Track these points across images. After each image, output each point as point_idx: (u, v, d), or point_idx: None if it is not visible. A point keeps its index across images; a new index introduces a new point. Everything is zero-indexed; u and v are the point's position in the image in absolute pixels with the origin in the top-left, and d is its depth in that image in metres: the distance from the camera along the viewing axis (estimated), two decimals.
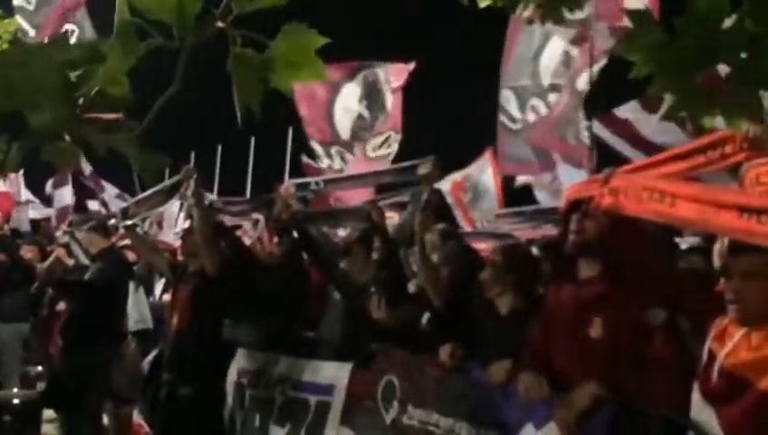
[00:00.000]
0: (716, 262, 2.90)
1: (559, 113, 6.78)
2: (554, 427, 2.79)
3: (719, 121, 1.84)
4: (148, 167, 1.79)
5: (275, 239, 5.02)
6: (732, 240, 2.35)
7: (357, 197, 7.43)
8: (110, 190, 11.63)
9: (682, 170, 3.41)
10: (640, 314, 2.83)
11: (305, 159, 9.65)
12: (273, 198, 5.05)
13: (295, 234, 4.86)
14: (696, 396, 2.36)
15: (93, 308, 5.49)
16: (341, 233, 6.87)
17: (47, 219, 11.75)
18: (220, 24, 1.63)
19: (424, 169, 4.24)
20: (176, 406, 4.48)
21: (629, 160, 5.09)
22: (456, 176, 9.86)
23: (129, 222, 5.27)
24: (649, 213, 2.57)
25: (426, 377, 3.53)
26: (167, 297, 6.27)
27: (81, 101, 1.64)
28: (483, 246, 6.08)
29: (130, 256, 6.90)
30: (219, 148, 14.18)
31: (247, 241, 5.33)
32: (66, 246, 6.76)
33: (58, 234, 7.33)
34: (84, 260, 6.33)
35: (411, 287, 4.34)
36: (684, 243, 4.55)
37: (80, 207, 11.91)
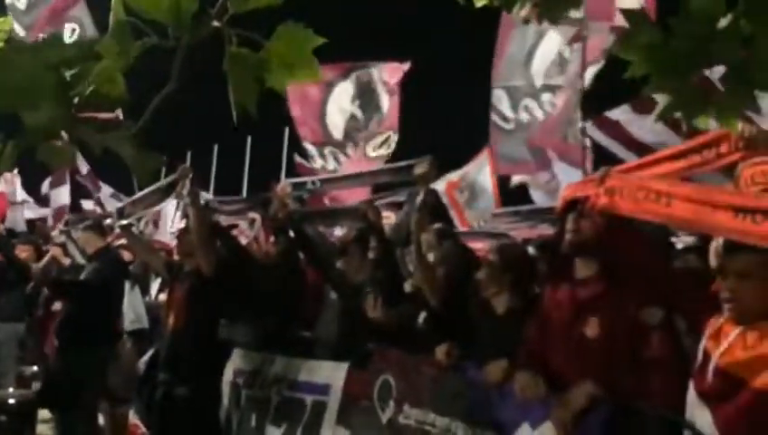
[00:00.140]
0: (713, 261, 2.90)
1: (561, 113, 6.79)
2: (550, 426, 2.80)
3: (713, 122, 1.84)
4: (143, 166, 1.79)
5: (271, 239, 5.01)
6: (727, 240, 2.35)
7: (353, 196, 7.43)
8: (104, 189, 11.61)
9: (678, 170, 3.41)
10: (637, 314, 2.83)
11: (298, 159, 9.66)
12: (270, 197, 5.04)
13: (292, 233, 4.86)
14: (691, 395, 2.37)
15: (89, 308, 5.48)
16: (338, 232, 6.88)
17: (43, 219, 11.72)
18: (216, 24, 1.63)
19: (420, 168, 4.24)
20: (172, 406, 4.48)
21: (625, 161, 5.12)
22: (453, 175, 9.87)
23: (124, 221, 5.27)
24: (645, 213, 2.58)
25: (422, 376, 3.53)
26: (163, 297, 6.27)
27: (76, 100, 1.63)
28: (479, 246, 6.08)
29: (126, 255, 6.88)
30: (215, 147, 14.18)
31: (244, 241, 5.33)
32: (62, 246, 6.75)
33: (54, 233, 7.31)
34: (80, 260, 6.32)
35: (407, 287, 4.34)
36: (679, 242, 4.56)
37: (74, 206, 11.89)
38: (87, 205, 12.01)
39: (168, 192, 4.87)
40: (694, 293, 2.70)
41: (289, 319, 4.76)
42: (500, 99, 7.18)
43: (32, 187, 12.47)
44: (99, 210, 10.73)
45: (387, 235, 4.66)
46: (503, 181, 9.99)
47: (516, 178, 9.61)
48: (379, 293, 4.25)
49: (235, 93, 1.68)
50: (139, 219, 6.62)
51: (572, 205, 3.06)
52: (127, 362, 5.93)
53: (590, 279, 3.03)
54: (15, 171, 11.44)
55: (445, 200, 8.27)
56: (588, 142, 6.36)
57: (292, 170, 9.90)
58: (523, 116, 7.07)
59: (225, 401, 4.65)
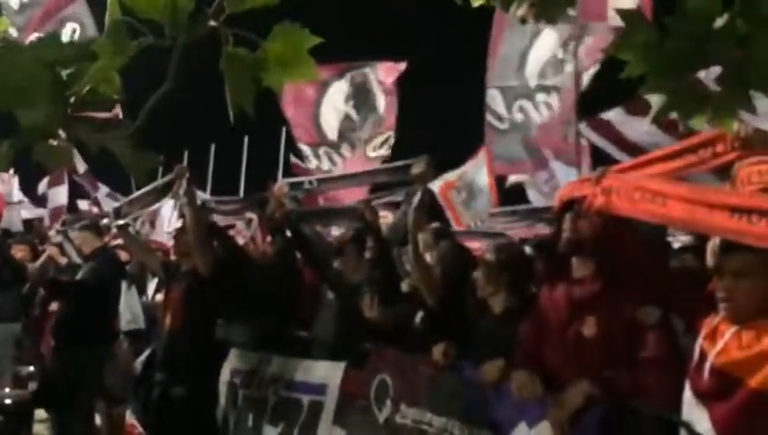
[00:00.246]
0: (710, 260, 2.91)
1: (561, 112, 6.81)
2: (547, 426, 2.80)
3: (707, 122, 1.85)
4: (140, 166, 1.79)
5: (268, 239, 5.01)
6: (723, 240, 2.36)
7: (351, 196, 7.44)
8: (101, 189, 11.60)
9: (675, 169, 3.42)
10: (633, 313, 2.84)
11: (294, 159, 9.66)
12: (267, 197, 5.04)
13: (289, 233, 4.86)
14: (687, 394, 2.37)
15: (85, 308, 5.47)
16: (335, 232, 6.88)
17: (39, 219, 11.70)
18: (212, 23, 1.63)
19: (417, 168, 4.24)
20: (168, 406, 4.47)
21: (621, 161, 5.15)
22: (451, 175, 9.88)
23: (121, 221, 5.26)
24: (642, 213, 2.59)
25: (419, 376, 3.53)
26: (159, 297, 6.26)
27: (72, 99, 1.63)
28: (476, 245, 6.09)
29: (123, 255, 6.88)
30: (212, 147, 14.16)
31: (241, 241, 5.33)
32: (59, 246, 6.74)
33: (51, 233, 7.30)
34: (77, 259, 6.31)
35: (404, 287, 4.35)
36: (676, 242, 4.57)
37: (71, 206, 11.87)
38: (82, 205, 12.00)
39: (165, 192, 4.86)
40: (690, 292, 2.71)
41: (286, 319, 4.76)
42: (494, 99, 7.19)
43: (28, 186, 12.45)
44: (95, 210, 10.72)
45: (384, 234, 4.66)
46: (500, 181, 10.02)
47: (512, 178, 9.63)
48: (376, 292, 4.25)
49: (231, 93, 1.67)
50: (135, 219, 6.61)
51: (569, 205, 3.07)
52: (123, 362, 5.92)
53: (587, 278, 3.03)
54: (11, 171, 11.42)
55: (439, 201, 8.29)
56: (585, 142, 6.38)
57: (290, 170, 9.92)
58: (518, 116, 7.08)
59: (222, 400, 4.64)
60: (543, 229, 6.09)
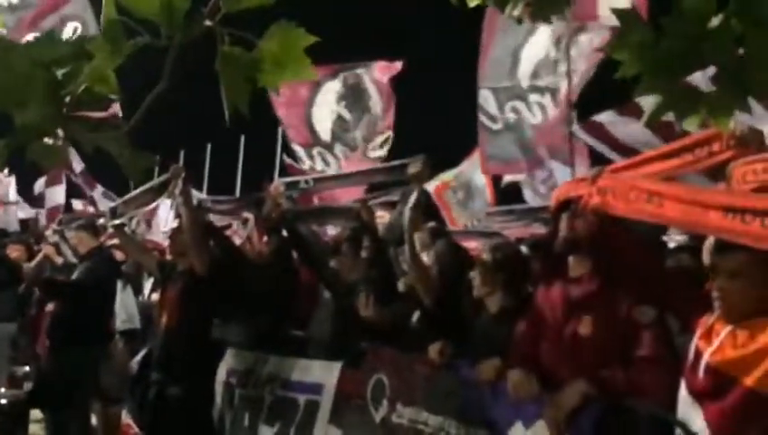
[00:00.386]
0: (706, 259, 2.92)
1: (562, 111, 6.84)
2: (543, 425, 2.80)
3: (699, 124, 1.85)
4: (135, 165, 1.78)
5: (264, 238, 5.01)
6: (718, 239, 2.36)
7: (347, 196, 7.44)
8: (97, 188, 11.59)
9: (671, 168, 3.43)
10: (629, 312, 2.84)
11: (288, 160, 9.67)
12: (263, 196, 5.04)
13: (285, 233, 4.86)
14: (682, 393, 2.38)
15: (81, 308, 5.46)
16: (331, 232, 6.88)
17: (34, 219, 11.68)
18: (208, 23, 1.62)
19: (414, 167, 4.25)
20: (165, 406, 4.47)
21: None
22: (448, 175, 9.90)
23: (117, 221, 5.25)
24: (637, 213, 2.59)
25: (415, 375, 3.53)
26: (155, 297, 6.25)
27: (67, 99, 1.62)
28: (473, 245, 6.10)
29: (119, 255, 6.87)
30: (209, 146, 14.15)
31: (237, 240, 5.32)
32: (56, 245, 6.73)
33: (47, 233, 7.28)
34: (73, 259, 6.29)
35: (401, 286, 4.35)
36: (672, 241, 4.58)
37: (66, 206, 11.86)
38: (77, 204, 11.98)
39: (161, 192, 4.86)
40: (686, 292, 2.72)
41: (282, 318, 4.76)
42: (486, 99, 7.22)
43: (23, 186, 12.43)
44: (91, 209, 10.71)
45: (380, 234, 4.67)
46: (497, 181, 10.04)
47: (508, 178, 9.65)
48: (372, 292, 4.25)
49: (227, 93, 1.67)
50: (130, 219, 6.61)
51: (566, 204, 3.07)
52: (119, 361, 5.91)
53: (584, 278, 3.04)
54: (6, 171, 11.39)
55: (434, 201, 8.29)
56: (582, 143, 6.42)
57: (286, 170, 9.91)
58: (511, 116, 7.10)
59: (219, 400, 4.64)
60: (540, 229, 6.11)
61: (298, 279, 5.01)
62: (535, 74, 7.01)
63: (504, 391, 3.02)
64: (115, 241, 6.33)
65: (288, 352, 4.42)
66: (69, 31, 7.85)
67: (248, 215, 5.39)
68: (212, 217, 6.11)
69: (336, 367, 4.00)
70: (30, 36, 6.31)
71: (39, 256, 6.68)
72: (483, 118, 7.25)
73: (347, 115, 8.91)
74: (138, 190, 5.11)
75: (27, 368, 7.08)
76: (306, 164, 8.95)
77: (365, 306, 4.18)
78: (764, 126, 3.25)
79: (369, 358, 3.85)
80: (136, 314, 6.97)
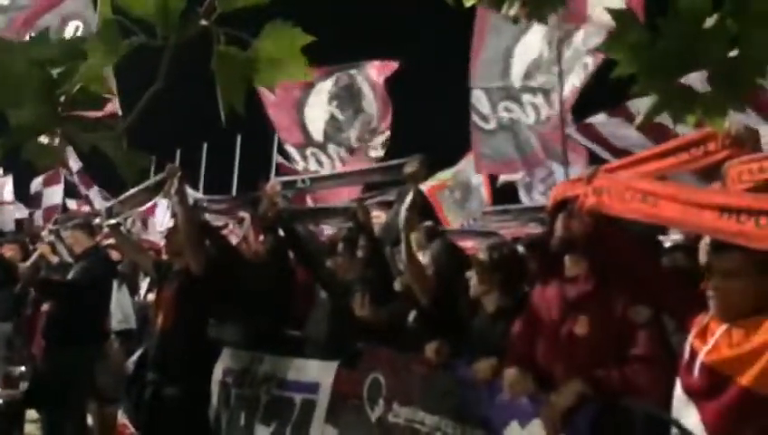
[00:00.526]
0: (702, 259, 2.92)
1: (551, 113, 6.86)
2: (539, 424, 2.81)
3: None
4: (131, 165, 1.78)
5: (261, 238, 5.01)
6: (714, 239, 2.37)
7: (344, 195, 7.44)
8: (93, 188, 11.56)
9: (667, 167, 3.44)
10: (625, 312, 2.85)
11: (281, 160, 9.67)
12: (259, 196, 5.03)
13: (281, 232, 4.85)
14: (677, 392, 2.39)
15: (77, 308, 5.44)
16: (328, 232, 6.88)
17: (29, 219, 11.65)
18: (204, 23, 1.62)
19: (410, 167, 4.24)
20: (161, 405, 4.46)
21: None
22: (446, 174, 9.91)
23: (113, 221, 5.24)
24: (632, 212, 2.60)
25: (412, 375, 3.53)
26: (151, 296, 6.24)
27: (62, 99, 1.62)
28: (469, 245, 6.11)
29: (114, 254, 6.85)
30: (205, 146, 14.15)
31: (234, 240, 5.32)
32: (51, 245, 6.71)
33: (44, 233, 7.26)
34: (69, 259, 6.28)
35: (397, 286, 4.35)
36: (667, 241, 4.58)
37: (63, 205, 11.83)
38: (71, 204, 11.95)
39: (157, 191, 4.85)
40: (681, 291, 2.72)
41: (278, 318, 4.76)
42: (479, 99, 7.23)
43: (20, 186, 12.40)
44: (86, 208, 10.69)
45: (377, 234, 4.66)
46: (495, 180, 10.05)
47: (504, 177, 9.66)
48: (368, 291, 4.25)
49: (222, 92, 1.67)
50: (125, 218, 6.59)
51: (563, 204, 3.08)
52: (115, 361, 5.90)
53: (580, 278, 3.04)
54: (2, 171, 11.37)
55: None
56: (565, 145, 6.46)
57: (282, 169, 9.92)
58: (504, 117, 7.12)
59: (215, 400, 4.63)
60: (536, 228, 6.12)
61: (294, 279, 5.01)
62: (528, 75, 7.03)
63: (500, 391, 3.03)
64: (111, 241, 6.31)
65: (284, 352, 4.42)
66: (70, 30, 7.81)
67: (244, 214, 5.39)
68: (208, 217, 6.10)
69: (332, 367, 4.00)
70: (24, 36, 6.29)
71: (34, 256, 6.66)
72: (475, 118, 7.26)
73: (340, 115, 8.91)
74: (133, 190, 5.10)
75: (23, 368, 7.06)
76: (300, 165, 8.96)
77: (360, 306, 4.18)
78: (760, 126, 3.26)
79: (366, 357, 3.85)
80: (131, 313, 6.96)
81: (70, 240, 6.04)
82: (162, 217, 9.03)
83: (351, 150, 8.80)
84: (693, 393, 2.30)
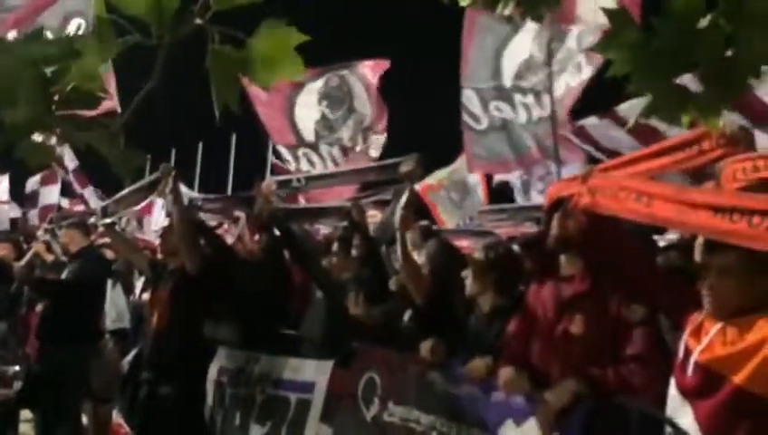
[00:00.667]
0: (697, 257, 2.93)
1: (543, 113, 6.87)
2: (534, 423, 2.81)
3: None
4: (126, 164, 1.77)
5: (256, 237, 5.00)
6: (708, 238, 2.37)
7: (339, 194, 7.43)
8: (88, 187, 11.55)
9: (662, 166, 3.45)
10: (620, 311, 2.85)
11: (274, 160, 9.66)
12: (254, 195, 5.03)
13: (277, 231, 4.85)
14: (672, 391, 2.39)
15: (71, 307, 5.43)
16: (324, 231, 6.87)
17: (24, 218, 11.62)
18: (198, 21, 1.62)
19: (406, 166, 4.24)
20: (156, 405, 4.46)
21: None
22: (442, 172, 9.91)
23: (108, 220, 5.23)
24: (627, 212, 2.60)
25: (407, 374, 3.53)
26: (146, 296, 6.23)
27: (56, 97, 1.62)
28: (465, 244, 6.11)
29: (109, 253, 6.84)
30: (200, 145, 14.12)
31: (229, 239, 5.31)
32: (47, 244, 6.70)
33: (39, 233, 7.24)
34: (63, 258, 6.26)
35: (392, 285, 4.35)
36: (662, 240, 4.59)
37: (58, 205, 11.80)
38: (64, 202, 11.92)
39: (151, 190, 4.84)
40: (676, 290, 2.72)
41: (273, 317, 4.75)
42: (470, 99, 7.24)
43: (16, 185, 12.36)
44: (81, 208, 10.66)
45: (372, 233, 4.66)
46: (491, 179, 10.06)
47: (499, 177, 9.67)
48: (362, 290, 4.25)
49: (217, 91, 1.67)
50: (120, 218, 6.58)
51: (559, 203, 3.08)
52: (109, 361, 5.89)
53: (575, 277, 3.05)
54: None
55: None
56: (556, 145, 6.49)
57: (277, 168, 9.91)
58: (496, 115, 7.13)
59: (210, 399, 4.63)
60: (532, 228, 6.13)
61: (290, 278, 5.01)
62: (519, 75, 7.05)
63: (495, 390, 3.03)
64: (106, 240, 6.30)
65: (279, 351, 4.42)
66: (72, 28, 7.77)
67: (240, 213, 5.38)
68: (203, 216, 6.09)
69: (327, 366, 4.00)
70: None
71: (29, 254, 6.64)
72: (466, 117, 7.28)
73: (330, 115, 8.92)
74: (128, 189, 5.09)
75: (17, 367, 7.03)
76: (292, 165, 8.96)
77: (354, 305, 4.18)
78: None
79: (361, 357, 3.85)
80: (126, 312, 6.95)
81: (65, 239, 6.03)
82: (158, 216, 9.01)
83: (345, 150, 8.80)
84: (687, 392, 2.31)
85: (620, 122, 5.65)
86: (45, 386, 5.39)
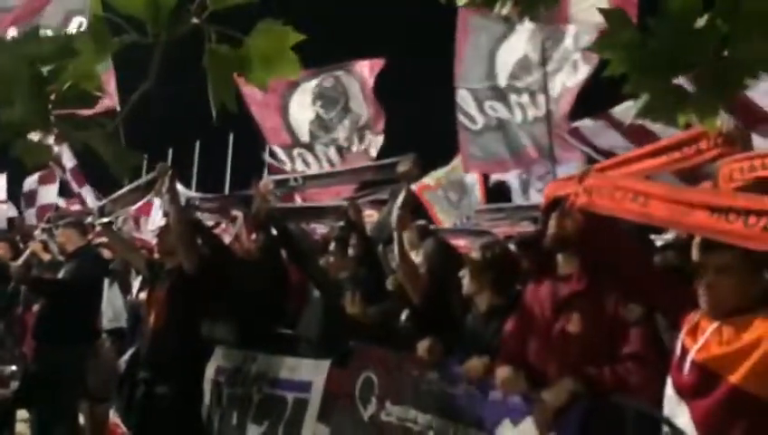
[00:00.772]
0: (695, 256, 2.94)
1: (538, 113, 6.89)
2: (531, 422, 2.81)
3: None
4: (123, 163, 1.77)
5: (253, 236, 5.00)
6: (704, 237, 2.38)
7: (336, 194, 7.44)
8: (86, 186, 11.52)
9: (660, 165, 3.46)
10: (617, 310, 2.86)
11: (269, 160, 9.66)
12: (252, 194, 5.02)
13: (274, 231, 4.85)
14: (668, 390, 2.39)
15: (68, 306, 5.42)
16: (321, 230, 6.88)
17: (21, 217, 11.60)
18: (195, 20, 1.62)
19: (403, 166, 4.25)
20: (153, 404, 4.45)
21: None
22: (440, 172, 9.92)
23: (105, 219, 5.23)
24: (623, 212, 2.61)
25: (404, 374, 3.53)
26: (144, 295, 6.22)
27: (52, 96, 1.61)
28: (462, 243, 6.11)
29: (106, 253, 6.83)
30: (197, 144, 14.11)
31: (226, 238, 5.30)
32: (44, 243, 6.69)
33: (36, 232, 7.23)
34: (60, 257, 6.25)
35: (389, 284, 4.35)
36: (659, 240, 4.60)
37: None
38: (60, 202, 11.90)
39: (148, 190, 4.84)
40: (673, 289, 2.73)
41: (271, 317, 4.75)
42: (464, 99, 7.26)
43: (11, 184, 12.34)
44: (79, 207, 10.65)
45: (369, 232, 4.66)
46: (489, 179, 10.07)
47: (495, 176, 9.69)
48: (359, 289, 4.25)
49: (214, 90, 1.67)
50: (117, 217, 6.58)
51: (556, 203, 3.08)
52: (106, 360, 5.88)
53: (572, 276, 3.05)
54: None
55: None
56: (551, 146, 6.51)
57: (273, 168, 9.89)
58: (491, 115, 7.14)
59: (207, 399, 4.62)
60: (528, 227, 6.15)
61: (287, 277, 5.00)
62: (514, 75, 7.07)
63: (492, 389, 3.03)
64: (103, 239, 6.29)
65: (277, 351, 4.41)
66: (74, 26, 7.75)
67: (237, 213, 5.37)
68: (200, 215, 6.09)
69: (325, 365, 4.00)
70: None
71: (26, 253, 6.63)
72: (462, 118, 7.29)
73: (325, 115, 8.92)
74: (125, 189, 5.08)
75: (13, 367, 7.02)
76: (287, 165, 8.96)
77: (351, 303, 4.18)
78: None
79: (358, 356, 3.85)
80: (123, 312, 6.94)
81: (62, 238, 6.02)
82: (156, 215, 9.00)
83: (341, 150, 8.80)
84: (683, 391, 2.31)
85: (615, 124, 5.67)
86: (42, 386, 5.38)
